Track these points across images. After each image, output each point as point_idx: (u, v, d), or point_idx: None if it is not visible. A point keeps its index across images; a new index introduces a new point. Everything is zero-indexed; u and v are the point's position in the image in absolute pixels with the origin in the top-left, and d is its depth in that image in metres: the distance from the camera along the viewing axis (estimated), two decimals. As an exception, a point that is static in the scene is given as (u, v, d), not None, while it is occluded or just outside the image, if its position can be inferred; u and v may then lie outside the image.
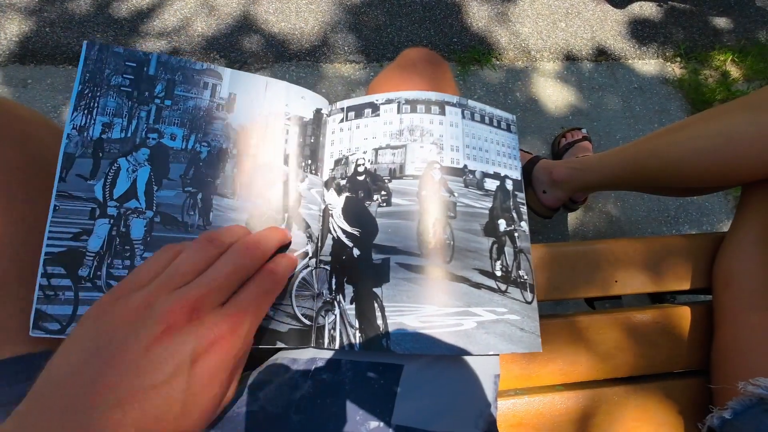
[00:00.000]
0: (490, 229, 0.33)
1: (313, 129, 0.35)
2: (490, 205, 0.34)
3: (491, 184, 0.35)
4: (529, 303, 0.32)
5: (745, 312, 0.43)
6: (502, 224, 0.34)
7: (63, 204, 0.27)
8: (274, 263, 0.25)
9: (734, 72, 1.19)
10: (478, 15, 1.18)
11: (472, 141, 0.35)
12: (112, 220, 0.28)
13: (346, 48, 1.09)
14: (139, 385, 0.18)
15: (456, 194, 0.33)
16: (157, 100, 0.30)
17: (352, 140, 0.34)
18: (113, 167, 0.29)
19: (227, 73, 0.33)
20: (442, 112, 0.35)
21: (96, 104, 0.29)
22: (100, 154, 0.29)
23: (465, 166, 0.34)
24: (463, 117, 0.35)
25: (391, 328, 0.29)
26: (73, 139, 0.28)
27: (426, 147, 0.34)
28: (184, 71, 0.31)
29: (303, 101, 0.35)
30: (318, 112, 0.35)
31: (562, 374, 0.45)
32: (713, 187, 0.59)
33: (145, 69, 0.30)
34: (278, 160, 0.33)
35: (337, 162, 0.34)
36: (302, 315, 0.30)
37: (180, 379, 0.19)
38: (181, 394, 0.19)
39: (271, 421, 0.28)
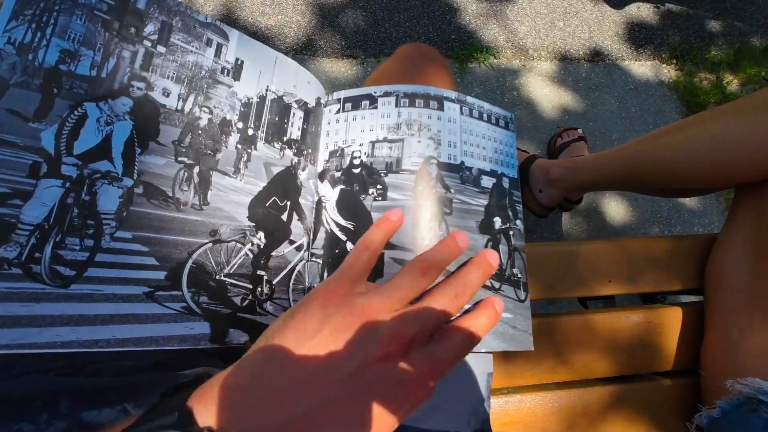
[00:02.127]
0: (486, 227, 0.33)
1: (314, 117, 0.34)
2: (486, 202, 0.34)
3: (488, 182, 0.34)
4: (522, 301, 0.32)
5: (736, 312, 0.43)
6: (498, 222, 0.34)
7: None
8: (476, 326, 0.24)
9: (729, 75, 1.20)
10: (476, 12, 1.17)
11: (470, 137, 0.35)
12: (67, 183, 0.21)
13: (343, 42, 1.08)
14: (349, 392, 0.19)
15: (452, 190, 0.33)
16: (147, 43, 0.25)
17: (349, 132, 0.34)
18: (76, 112, 0.22)
19: (234, 34, 0.29)
20: (441, 108, 0.34)
21: (52, 21, 0.21)
22: (55, 90, 0.21)
23: (462, 163, 0.34)
24: (462, 113, 0.35)
25: None
26: (6, 57, 0.20)
27: (423, 142, 0.33)
28: (183, 18, 0.26)
29: (309, 86, 0.33)
30: (318, 100, 0.35)
31: (554, 373, 0.45)
32: (707, 189, 0.60)
33: None
34: (284, 144, 0.31)
35: (332, 153, 0.34)
36: None
37: (378, 405, 0.19)
38: (370, 420, 0.19)
39: None
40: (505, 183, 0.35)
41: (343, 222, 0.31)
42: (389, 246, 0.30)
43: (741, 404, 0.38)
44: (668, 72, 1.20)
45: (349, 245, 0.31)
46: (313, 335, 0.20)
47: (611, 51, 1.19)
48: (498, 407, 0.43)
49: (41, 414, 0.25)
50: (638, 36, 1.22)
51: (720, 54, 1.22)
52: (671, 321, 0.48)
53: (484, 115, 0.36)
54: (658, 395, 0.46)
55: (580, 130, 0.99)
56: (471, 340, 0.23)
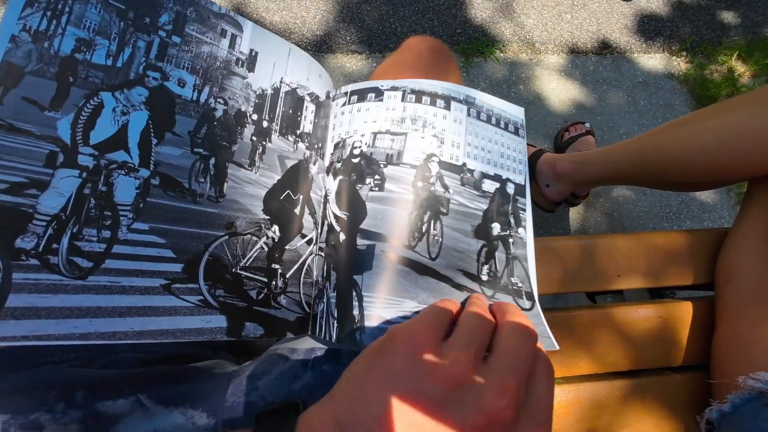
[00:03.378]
0: (482, 232, 0.32)
1: (324, 111, 0.34)
2: (485, 207, 0.33)
3: (490, 186, 0.34)
4: (529, 310, 0.31)
5: (746, 306, 0.43)
6: (496, 228, 0.33)
7: None
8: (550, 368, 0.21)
9: (740, 67, 1.18)
10: (482, 6, 1.16)
11: (475, 140, 0.34)
12: (85, 173, 0.21)
13: (348, 38, 1.08)
14: None
15: (451, 191, 0.32)
16: (162, 33, 0.24)
17: (352, 123, 0.33)
18: (92, 101, 0.21)
19: (248, 25, 0.29)
20: (447, 107, 0.34)
21: (67, 9, 0.21)
22: (71, 79, 0.21)
23: (464, 164, 0.33)
24: (469, 115, 0.34)
25: (366, 321, 0.27)
26: (22, 45, 0.19)
27: (427, 138, 0.33)
28: (198, 8, 0.26)
29: (320, 80, 0.33)
30: (328, 94, 0.35)
31: (562, 368, 0.45)
32: (717, 183, 0.59)
33: None
34: (297, 137, 0.31)
35: (336, 146, 0.33)
36: (305, 303, 0.29)
37: None
38: None
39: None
40: (510, 189, 0.34)
41: (338, 212, 0.31)
42: (381, 238, 0.29)
43: (752, 399, 0.38)
44: (678, 64, 1.18)
45: (342, 236, 0.30)
46: (407, 398, 0.17)
47: (620, 44, 1.17)
48: (506, 401, 0.43)
49: (57, 404, 0.26)
50: (647, 28, 1.20)
51: (732, 46, 1.20)
52: (681, 316, 0.48)
53: (493, 119, 0.36)
54: (667, 390, 0.46)
55: (587, 125, 0.98)
56: (551, 368, 0.21)
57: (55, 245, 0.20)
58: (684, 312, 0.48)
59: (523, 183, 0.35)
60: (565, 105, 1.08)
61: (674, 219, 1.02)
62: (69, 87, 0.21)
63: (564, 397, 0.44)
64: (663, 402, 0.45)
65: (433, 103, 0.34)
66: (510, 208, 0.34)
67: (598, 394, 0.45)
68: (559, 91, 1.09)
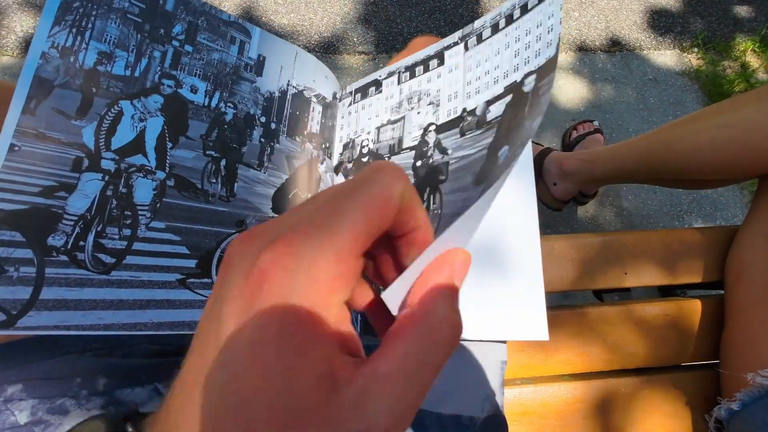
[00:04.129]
0: (483, 174, 0.28)
1: (331, 111, 0.35)
2: (490, 140, 0.28)
3: (498, 108, 0.29)
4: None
5: (756, 305, 0.42)
6: (504, 153, 0.28)
7: (28, 145, 0.20)
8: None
9: (754, 62, 1.16)
10: (488, 5, 1.16)
11: (476, 70, 0.31)
12: (107, 177, 0.22)
13: (355, 39, 1.09)
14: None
15: (450, 151, 0.30)
16: (176, 42, 0.26)
17: (358, 122, 0.34)
18: (113, 110, 0.23)
19: (256, 31, 0.30)
20: (441, 62, 0.32)
21: (90, 25, 0.23)
22: (94, 90, 0.22)
23: (464, 110, 0.30)
24: (467, 49, 0.31)
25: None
26: (51, 61, 0.21)
27: (422, 111, 0.32)
28: (208, 18, 0.27)
29: (326, 81, 0.34)
30: (334, 95, 0.36)
31: (568, 364, 0.45)
32: (727, 180, 0.58)
33: (160, 1, 0.26)
34: (305, 138, 0.32)
35: (345, 146, 0.34)
36: None
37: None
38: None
39: None
40: (528, 85, 0.27)
41: None
42: None
43: (761, 396, 0.38)
44: (689, 61, 1.16)
45: None
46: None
47: (629, 40, 1.16)
48: (512, 397, 0.43)
49: (81, 390, 0.27)
50: (657, 24, 1.19)
51: (745, 41, 1.18)
52: (691, 314, 0.48)
53: (501, 22, 0.31)
54: (676, 388, 0.45)
55: (595, 123, 0.98)
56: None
57: (81, 243, 0.21)
58: (693, 310, 0.48)
59: (552, 55, 0.27)
60: (573, 103, 1.07)
61: (685, 218, 1.01)
62: (92, 97, 0.23)
63: (570, 393, 0.44)
64: (671, 399, 0.45)
65: (426, 69, 0.33)
66: (526, 109, 0.27)
67: (607, 391, 0.45)
68: (567, 89, 1.09)
